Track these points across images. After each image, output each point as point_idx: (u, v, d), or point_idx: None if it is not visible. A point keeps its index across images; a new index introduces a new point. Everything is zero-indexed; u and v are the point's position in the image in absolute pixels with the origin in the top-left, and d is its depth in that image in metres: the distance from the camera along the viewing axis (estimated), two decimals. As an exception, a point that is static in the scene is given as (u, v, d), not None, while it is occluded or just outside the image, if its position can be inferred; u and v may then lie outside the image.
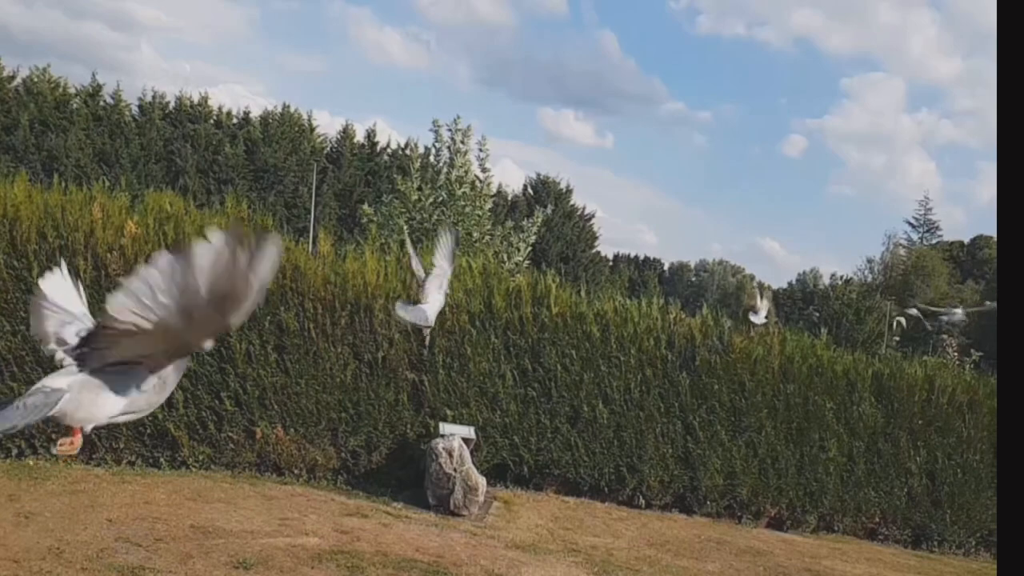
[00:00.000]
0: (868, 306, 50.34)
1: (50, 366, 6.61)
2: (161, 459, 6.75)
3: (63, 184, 7.01)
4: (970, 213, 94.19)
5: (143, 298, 1.74)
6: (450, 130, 14.13)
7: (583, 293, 8.36)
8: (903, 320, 20.01)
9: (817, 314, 48.41)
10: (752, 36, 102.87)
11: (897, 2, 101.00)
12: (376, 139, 50.41)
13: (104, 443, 6.59)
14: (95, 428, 2.13)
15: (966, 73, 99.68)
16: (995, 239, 62.97)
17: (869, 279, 62.29)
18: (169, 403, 6.66)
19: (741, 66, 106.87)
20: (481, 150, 14.38)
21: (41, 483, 5.93)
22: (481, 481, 6.89)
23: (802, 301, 54.20)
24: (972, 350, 15.26)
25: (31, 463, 6.35)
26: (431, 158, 14.31)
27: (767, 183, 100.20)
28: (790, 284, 61.84)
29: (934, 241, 67.44)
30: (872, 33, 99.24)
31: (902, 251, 63.91)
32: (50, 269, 2.44)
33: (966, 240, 67.64)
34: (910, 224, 68.61)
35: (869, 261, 65.55)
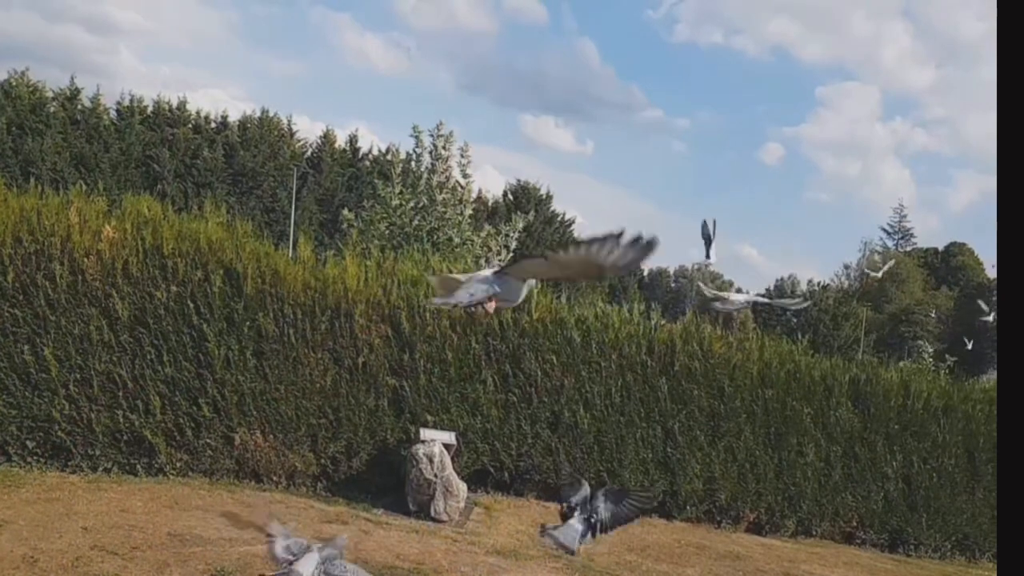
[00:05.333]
0: (845, 312, 50.93)
1: (23, 371, 6.49)
2: (138, 466, 6.67)
3: (40, 188, 6.93)
4: (944, 220, 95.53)
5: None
6: (432, 135, 14.14)
7: (564, 298, 8.39)
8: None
9: (795, 320, 48.84)
10: (729, 44, 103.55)
11: (871, 12, 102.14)
12: (358, 144, 50.29)
13: (80, 450, 6.51)
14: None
15: (939, 82, 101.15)
16: (968, 246, 63.89)
17: (846, 285, 62.99)
18: (146, 409, 6.61)
19: (718, 74, 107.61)
20: (463, 155, 14.40)
21: (15, 491, 5.84)
22: (462, 487, 6.88)
23: (780, 307, 54.65)
24: (947, 355, 15.49)
25: (5, 470, 6.26)
26: (412, 164, 14.29)
27: (745, 190, 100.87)
28: (768, 290, 62.31)
29: (909, 248, 68.33)
30: (847, 42, 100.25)
31: (877, 257, 64.66)
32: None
33: (940, 247, 68.53)
34: (885, 231, 69.53)
35: (846, 267, 66.35)
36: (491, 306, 3.25)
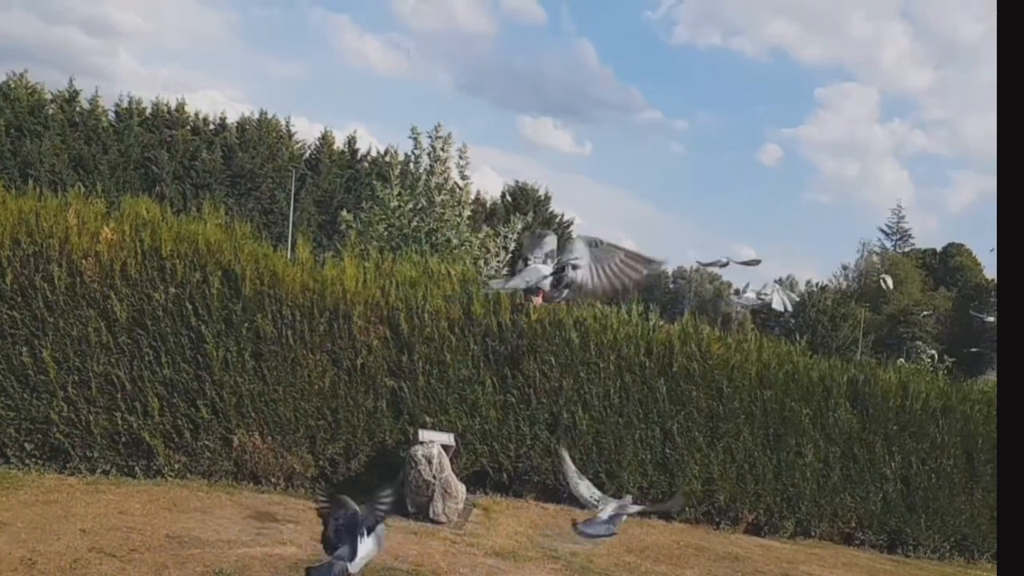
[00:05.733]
0: (843, 313, 50.96)
1: (22, 373, 6.47)
2: (136, 468, 6.67)
3: (38, 190, 6.92)
4: (943, 221, 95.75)
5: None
6: (430, 137, 14.13)
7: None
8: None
9: (793, 320, 48.86)
10: (728, 46, 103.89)
11: (871, 13, 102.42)
12: (356, 146, 50.35)
13: (78, 452, 6.51)
14: None
15: (938, 84, 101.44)
16: (967, 247, 63.94)
17: (844, 286, 63.02)
18: (144, 411, 6.60)
19: (717, 75, 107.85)
20: (461, 157, 14.39)
21: (13, 493, 5.84)
22: (460, 488, 6.88)
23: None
24: (945, 356, 15.50)
25: (3, 472, 6.25)
26: (410, 165, 14.29)
27: (744, 191, 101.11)
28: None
29: (907, 249, 68.39)
30: (846, 44, 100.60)
31: (875, 258, 64.74)
32: None
33: (939, 248, 68.59)
34: (883, 232, 69.59)
35: (844, 268, 66.40)
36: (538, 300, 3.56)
